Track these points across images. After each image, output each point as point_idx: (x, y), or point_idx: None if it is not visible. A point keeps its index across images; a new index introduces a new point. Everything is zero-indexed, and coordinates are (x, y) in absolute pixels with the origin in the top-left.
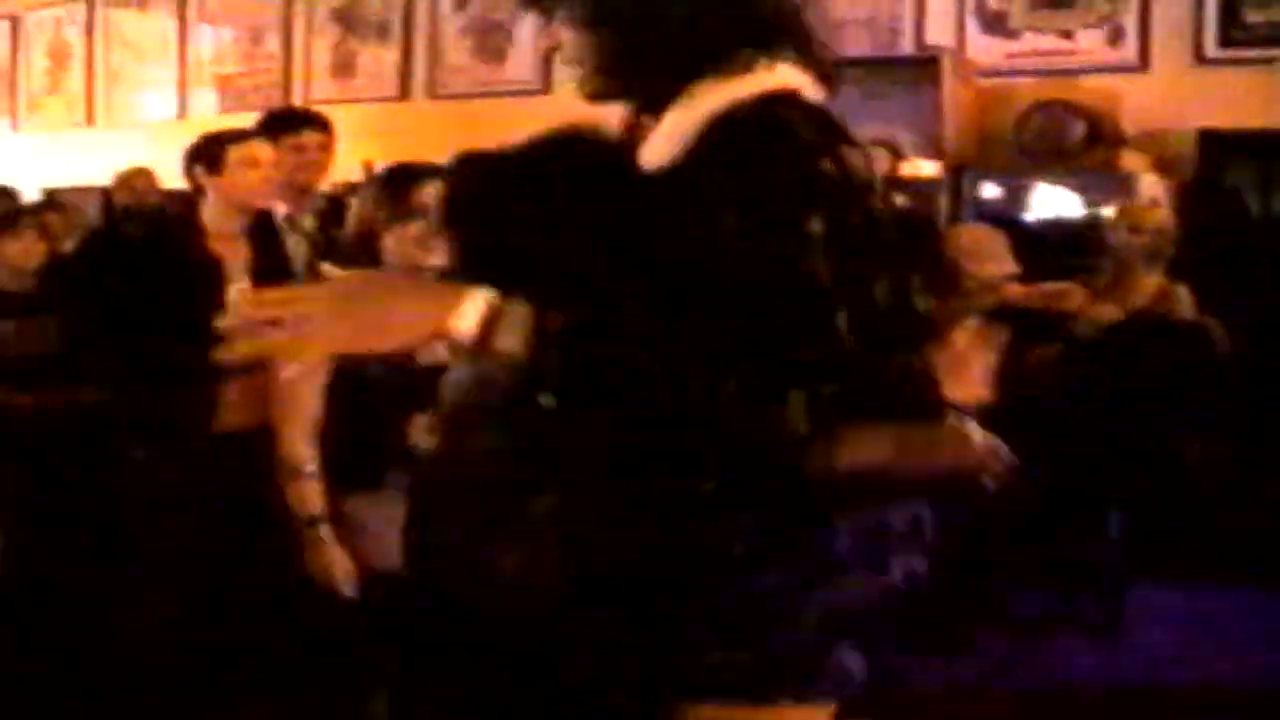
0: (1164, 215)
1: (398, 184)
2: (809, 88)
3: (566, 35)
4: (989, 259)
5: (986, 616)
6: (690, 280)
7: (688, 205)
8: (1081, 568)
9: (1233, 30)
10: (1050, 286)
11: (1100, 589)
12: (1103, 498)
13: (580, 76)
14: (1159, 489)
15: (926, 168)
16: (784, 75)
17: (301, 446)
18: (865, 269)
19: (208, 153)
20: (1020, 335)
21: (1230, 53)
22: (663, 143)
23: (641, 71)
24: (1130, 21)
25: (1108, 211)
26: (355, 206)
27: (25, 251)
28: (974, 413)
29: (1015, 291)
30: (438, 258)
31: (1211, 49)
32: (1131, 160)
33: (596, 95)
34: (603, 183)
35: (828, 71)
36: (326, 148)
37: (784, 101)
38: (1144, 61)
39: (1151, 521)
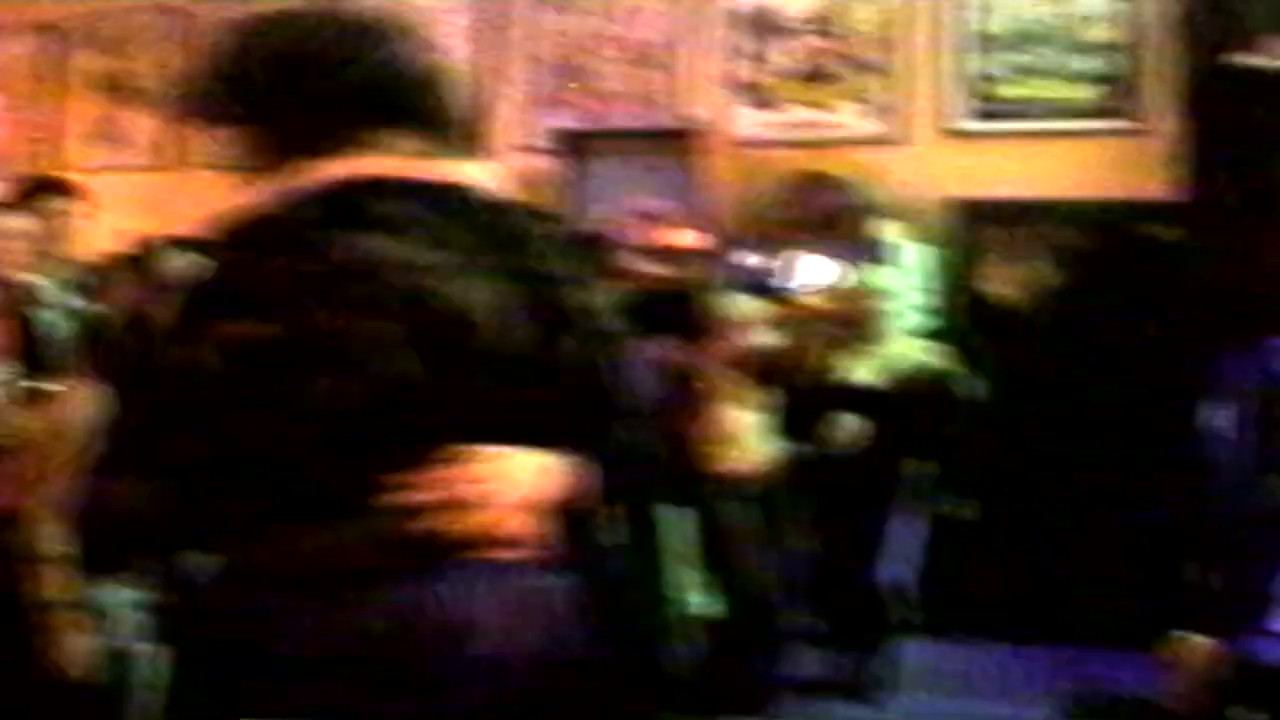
0: (859, 292)
1: (148, 260)
2: (405, 169)
3: (226, 132)
4: (749, 329)
5: (771, 679)
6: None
7: None
8: (855, 626)
9: (985, 104)
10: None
11: (870, 648)
12: (872, 556)
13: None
14: (932, 547)
15: (690, 238)
16: (361, 162)
17: (47, 530)
18: (313, 359)
19: None
20: (795, 398)
21: (983, 125)
22: None
23: (261, 156)
24: (887, 95)
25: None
26: (112, 288)
27: None
28: (747, 480)
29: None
30: None
31: (966, 122)
32: (889, 229)
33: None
34: None
35: (468, 140)
36: (77, 215)
37: (301, 194)
38: (901, 134)
39: (926, 580)
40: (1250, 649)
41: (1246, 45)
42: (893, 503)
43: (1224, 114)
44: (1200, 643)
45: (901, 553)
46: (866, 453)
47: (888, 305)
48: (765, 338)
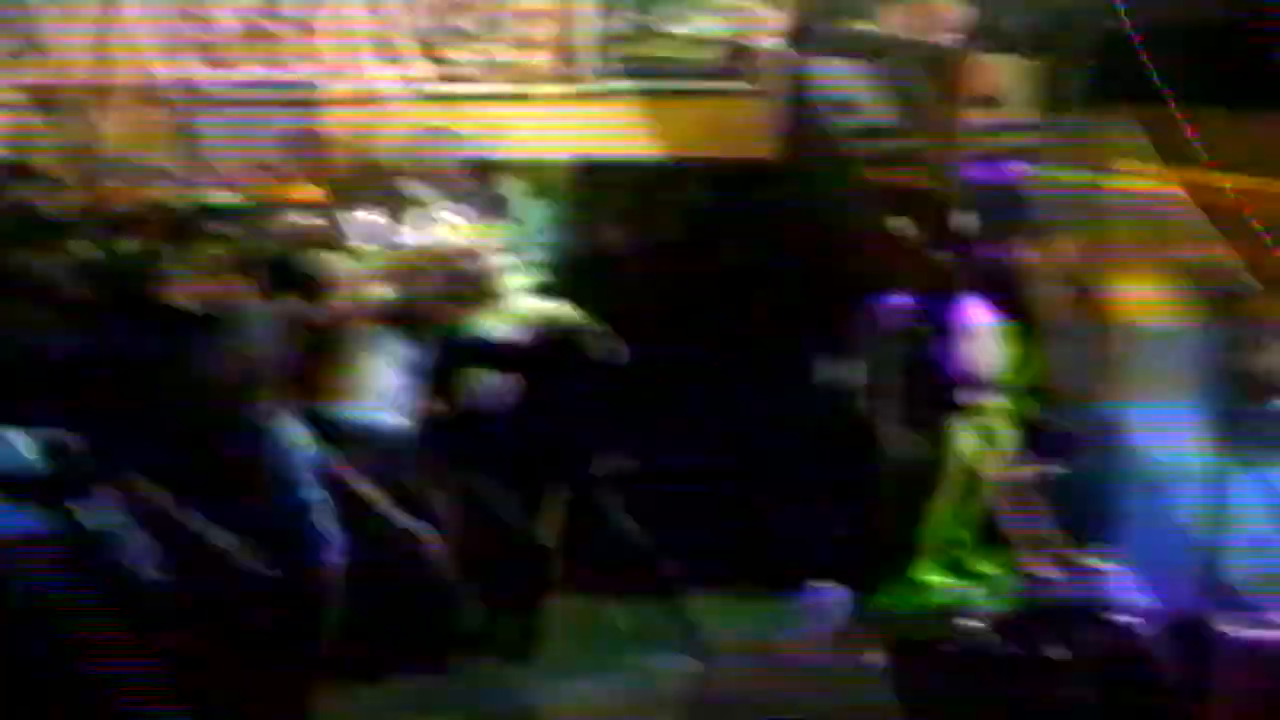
0: (478, 246)
1: None
2: None
3: None
4: (368, 282)
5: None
6: None
7: None
8: (509, 584)
9: (609, 63)
10: None
11: (522, 606)
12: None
13: None
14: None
15: (309, 190)
16: None
17: None
18: None
19: None
20: (424, 352)
21: (608, 84)
22: None
23: None
24: (512, 53)
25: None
26: None
27: None
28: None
29: None
30: None
31: (590, 81)
32: (510, 186)
33: None
34: None
35: None
36: None
37: None
38: (526, 91)
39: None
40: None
41: (846, 12)
42: (534, 459)
43: (811, 78)
44: (833, 592)
45: (544, 509)
46: (500, 409)
47: (507, 260)
48: (384, 291)
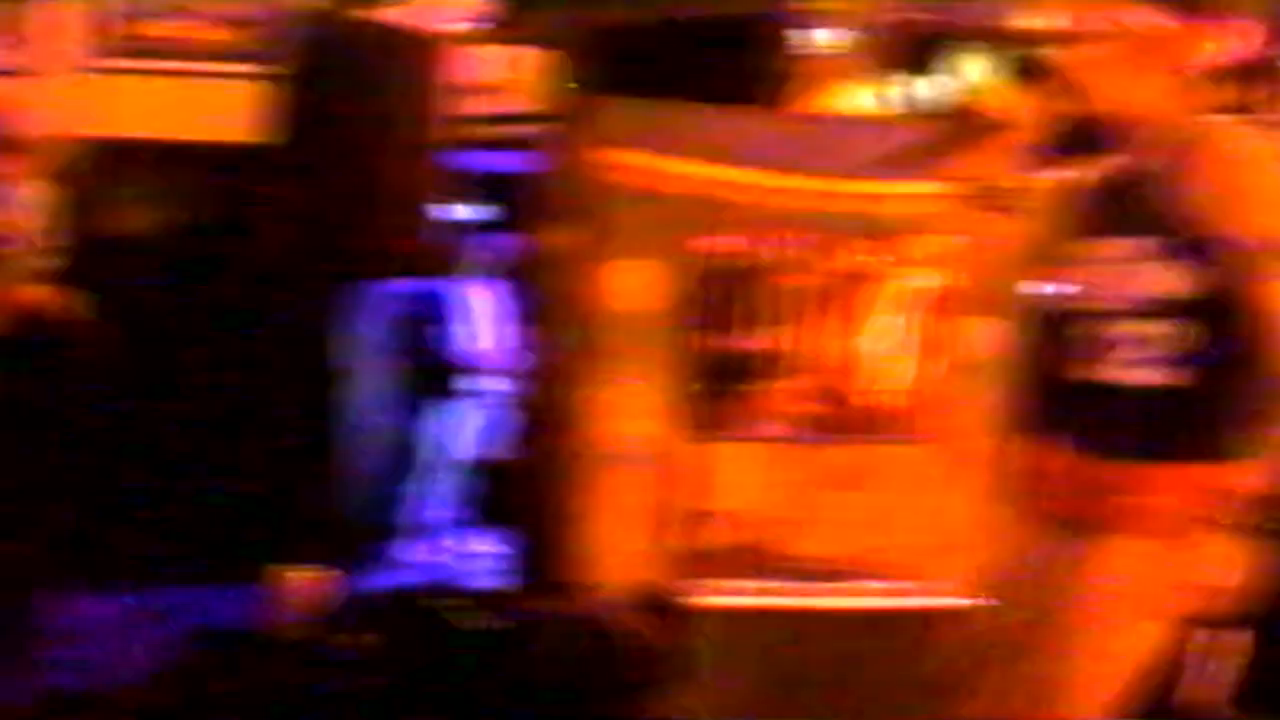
0: None
1: None
2: None
3: None
4: None
5: None
6: None
7: None
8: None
9: (132, 41)
10: None
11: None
12: None
13: None
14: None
15: None
16: None
17: None
18: None
19: None
20: None
21: (130, 63)
22: None
23: None
24: (28, 25)
25: None
26: None
27: None
28: None
29: None
30: None
31: (105, 59)
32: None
33: None
34: None
35: None
36: None
37: None
38: (38, 67)
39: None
40: (361, 578)
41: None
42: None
43: (312, 62)
44: (303, 574)
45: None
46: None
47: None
48: None
